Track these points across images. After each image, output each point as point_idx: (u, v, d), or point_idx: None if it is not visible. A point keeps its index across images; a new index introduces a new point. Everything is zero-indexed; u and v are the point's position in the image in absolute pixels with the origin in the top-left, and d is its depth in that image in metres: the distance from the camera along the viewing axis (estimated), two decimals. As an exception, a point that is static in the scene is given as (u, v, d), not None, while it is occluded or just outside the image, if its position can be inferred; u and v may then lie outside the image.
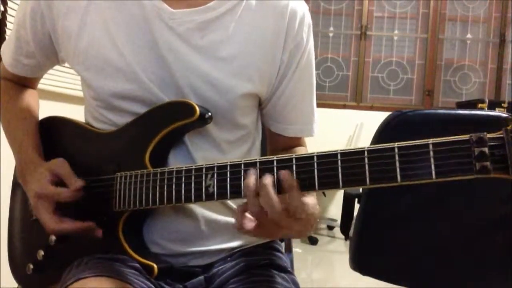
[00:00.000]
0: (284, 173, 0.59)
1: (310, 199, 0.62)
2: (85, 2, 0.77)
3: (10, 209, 0.95)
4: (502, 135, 0.51)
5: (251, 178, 0.61)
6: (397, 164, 0.54)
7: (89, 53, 0.77)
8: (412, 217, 0.93)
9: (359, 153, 0.57)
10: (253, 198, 0.60)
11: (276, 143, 0.90)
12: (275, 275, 0.80)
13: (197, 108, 0.73)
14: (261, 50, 0.78)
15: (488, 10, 4.40)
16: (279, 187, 0.60)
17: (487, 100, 3.42)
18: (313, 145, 0.62)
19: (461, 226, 0.90)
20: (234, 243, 0.83)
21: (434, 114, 0.92)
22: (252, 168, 0.62)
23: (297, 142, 0.89)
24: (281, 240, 0.98)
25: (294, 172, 0.60)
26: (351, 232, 1.00)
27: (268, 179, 0.59)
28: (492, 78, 4.41)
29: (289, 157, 0.61)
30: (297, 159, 0.60)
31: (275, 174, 0.60)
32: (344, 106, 4.38)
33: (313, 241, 3.71)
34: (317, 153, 0.59)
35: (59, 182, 0.77)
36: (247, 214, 0.62)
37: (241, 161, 0.64)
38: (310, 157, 0.59)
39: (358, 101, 4.42)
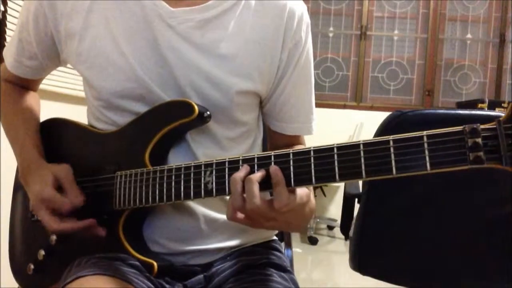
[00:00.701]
0: (273, 168, 0.61)
1: (300, 190, 0.63)
2: (87, 2, 0.78)
3: (11, 209, 0.95)
4: (495, 126, 0.52)
5: (240, 173, 0.62)
6: (392, 157, 0.55)
7: (91, 52, 0.78)
8: (412, 217, 0.93)
9: (355, 146, 0.58)
10: (237, 192, 0.61)
11: (275, 141, 0.91)
12: (274, 274, 0.80)
13: (196, 107, 0.73)
14: (261, 49, 0.79)
15: (488, 10, 4.40)
16: (270, 182, 0.61)
17: (487, 100, 3.42)
18: (313, 145, 0.62)
19: (461, 226, 0.90)
20: (233, 242, 0.84)
21: (434, 114, 0.92)
22: (246, 164, 0.63)
23: (296, 140, 0.90)
24: (281, 240, 0.98)
25: (292, 167, 0.61)
26: (351, 232, 1.00)
27: (255, 174, 0.61)
28: (492, 78, 4.41)
29: (286, 152, 0.62)
30: (294, 154, 0.61)
31: (269, 170, 0.61)
32: (344, 106, 4.38)
33: (313, 241, 3.71)
34: (314, 147, 0.60)
35: (60, 187, 0.77)
36: None
37: (239, 157, 0.64)
38: (307, 152, 0.61)
39: (358, 101, 4.42)
